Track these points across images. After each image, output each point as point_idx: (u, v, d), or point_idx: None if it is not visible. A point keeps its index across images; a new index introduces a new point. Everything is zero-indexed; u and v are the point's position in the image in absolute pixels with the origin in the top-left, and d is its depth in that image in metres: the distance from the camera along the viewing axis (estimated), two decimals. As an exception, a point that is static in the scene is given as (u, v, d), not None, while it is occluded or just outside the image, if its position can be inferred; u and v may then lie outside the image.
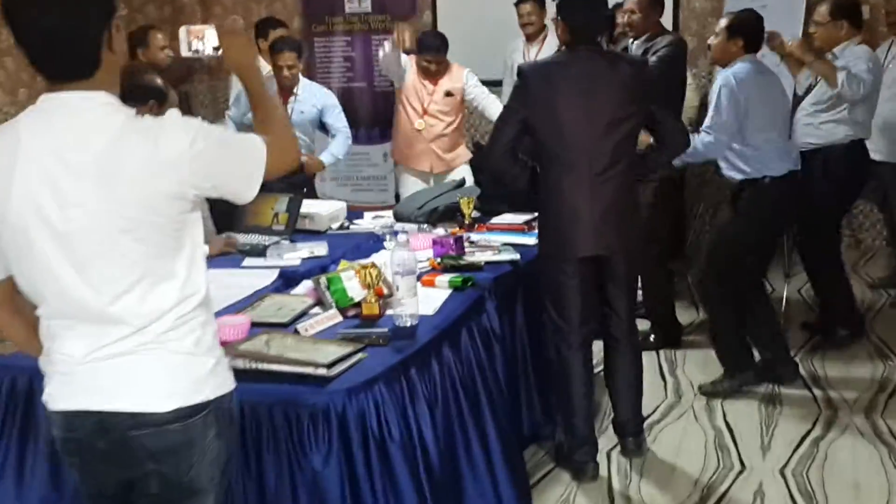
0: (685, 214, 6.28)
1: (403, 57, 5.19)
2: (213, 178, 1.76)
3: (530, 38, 5.97)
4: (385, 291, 2.98)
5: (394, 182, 6.88)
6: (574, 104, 3.28)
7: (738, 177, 4.04)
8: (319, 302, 3.04)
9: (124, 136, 1.69)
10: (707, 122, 3.98)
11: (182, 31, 2.03)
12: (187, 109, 5.47)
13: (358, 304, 2.97)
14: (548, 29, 5.84)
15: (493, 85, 5.88)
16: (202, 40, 2.02)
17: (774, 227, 4.18)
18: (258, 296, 3.16)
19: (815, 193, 4.37)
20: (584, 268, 3.41)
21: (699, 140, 3.94)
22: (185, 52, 2.04)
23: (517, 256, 3.56)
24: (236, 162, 1.81)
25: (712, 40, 4.09)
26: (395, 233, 3.96)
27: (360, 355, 2.50)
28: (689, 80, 5.02)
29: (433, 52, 5.11)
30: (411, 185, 5.27)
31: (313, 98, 5.11)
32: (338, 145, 5.18)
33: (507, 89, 5.75)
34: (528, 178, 3.46)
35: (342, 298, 2.98)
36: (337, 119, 5.18)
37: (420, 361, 2.63)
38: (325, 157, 5.12)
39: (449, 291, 3.19)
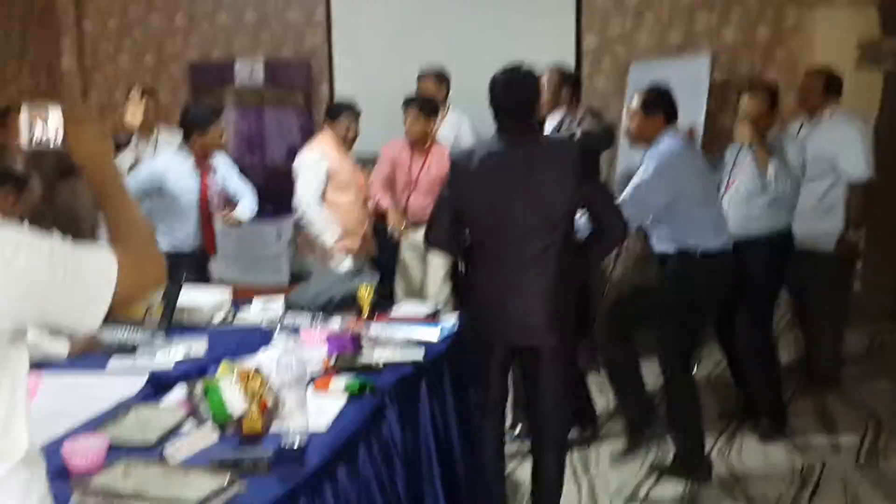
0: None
1: None
2: (39, 308, 1.38)
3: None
4: (270, 404, 2.60)
5: (287, 262, 6.52)
6: (503, 191, 3.16)
7: (667, 249, 3.86)
8: (194, 414, 2.63)
9: None
10: (625, 195, 3.78)
11: (23, 111, 1.62)
12: (71, 202, 5.01)
13: (239, 419, 2.57)
14: (450, 104, 5.66)
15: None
16: (46, 124, 1.63)
17: (704, 303, 3.99)
18: (123, 407, 2.72)
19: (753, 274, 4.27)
20: (509, 358, 3.34)
21: None
22: (25, 144, 1.64)
23: (420, 356, 3.22)
24: (73, 286, 1.41)
25: (627, 122, 3.93)
26: (286, 327, 3.59)
27: (235, 489, 2.10)
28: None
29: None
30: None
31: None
32: (248, 202, 4.84)
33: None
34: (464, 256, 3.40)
35: (219, 412, 2.57)
36: (239, 180, 4.87)
37: (310, 490, 2.24)
38: (243, 213, 4.79)
39: (344, 398, 2.82)
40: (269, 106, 6.87)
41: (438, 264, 5.07)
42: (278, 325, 3.59)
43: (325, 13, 6.78)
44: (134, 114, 4.73)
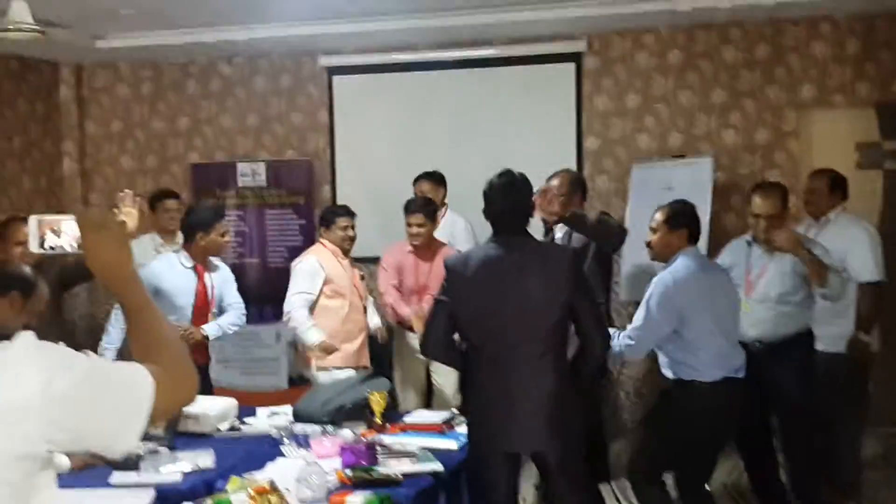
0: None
1: None
2: (76, 429, 1.29)
3: None
4: (287, 521, 2.48)
5: (286, 366, 6.40)
6: (497, 296, 3.15)
7: (671, 375, 3.75)
8: (205, 534, 2.50)
9: None
10: (634, 322, 3.71)
11: (32, 221, 1.57)
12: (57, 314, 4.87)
13: (253, 538, 2.44)
14: (447, 206, 5.67)
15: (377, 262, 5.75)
16: (58, 233, 1.56)
17: (713, 435, 3.82)
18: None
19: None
20: (515, 464, 3.27)
21: (620, 341, 3.70)
22: (34, 249, 1.57)
23: (440, 467, 3.10)
24: (110, 407, 1.34)
25: (651, 237, 3.86)
26: (295, 436, 3.47)
27: None
28: None
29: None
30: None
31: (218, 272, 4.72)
32: (228, 318, 4.68)
33: None
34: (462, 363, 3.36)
35: (233, 531, 2.45)
36: (234, 294, 4.77)
37: None
38: (210, 329, 4.58)
39: (364, 516, 2.69)
40: (270, 207, 6.85)
41: (445, 378, 4.88)
42: (287, 436, 3.48)
43: (328, 116, 6.82)
44: (130, 217, 4.68)
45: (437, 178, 5.71)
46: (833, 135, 6.06)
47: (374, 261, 6.12)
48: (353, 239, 4.91)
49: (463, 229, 5.61)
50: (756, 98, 6.14)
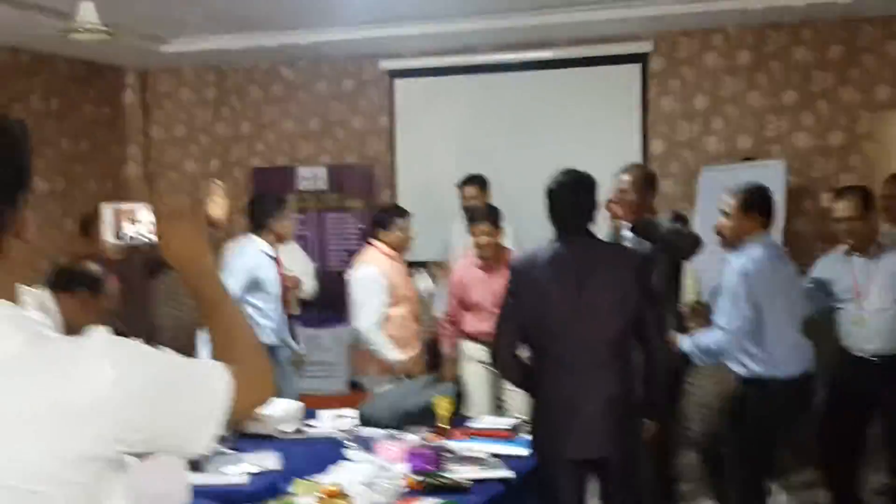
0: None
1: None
2: (149, 429, 1.22)
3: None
4: (356, 525, 2.42)
5: (347, 370, 6.37)
6: (565, 297, 3.08)
7: (744, 373, 3.62)
8: (272, 536, 2.45)
9: (19, 368, 1.16)
10: (721, 317, 3.57)
11: (107, 211, 1.52)
12: (141, 307, 4.88)
13: (322, 542, 2.39)
14: None
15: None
16: (134, 223, 1.51)
17: (773, 433, 3.70)
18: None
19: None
20: (581, 471, 3.15)
21: (712, 338, 3.57)
22: (110, 239, 1.52)
23: (510, 474, 3.02)
24: (187, 407, 1.27)
25: (722, 221, 3.74)
26: (361, 439, 3.42)
27: None
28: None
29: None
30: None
31: None
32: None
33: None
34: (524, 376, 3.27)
35: (302, 534, 2.40)
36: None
37: None
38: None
39: (433, 522, 2.62)
40: (330, 211, 6.84)
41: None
42: (352, 439, 3.42)
43: (389, 121, 6.79)
44: (220, 206, 4.64)
45: (482, 182, 5.64)
46: (911, 137, 5.84)
47: (436, 264, 6.09)
48: (408, 241, 4.74)
49: (510, 237, 5.52)
50: (829, 99, 5.96)
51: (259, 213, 4.62)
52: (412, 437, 3.34)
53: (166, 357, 1.29)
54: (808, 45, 5.95)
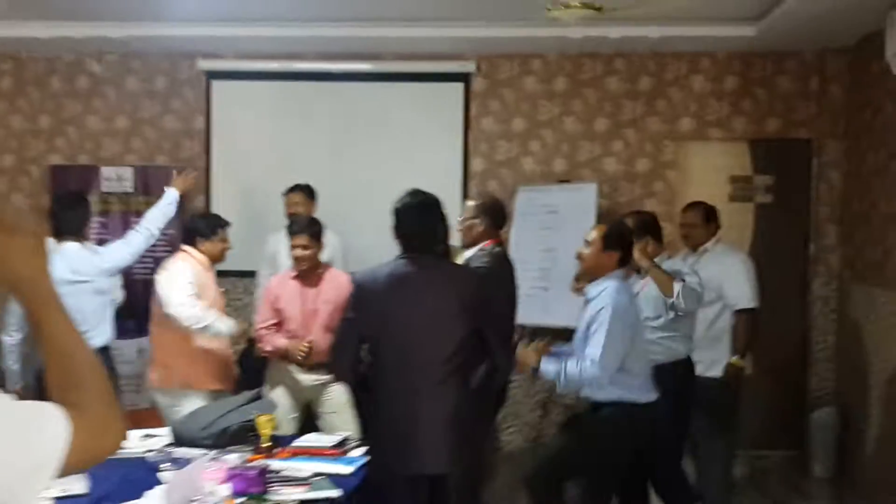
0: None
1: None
2: None
3: None
4: (180, 555, 2.26)
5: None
6: (408, 314, 3.13)
7: (603, 397, 3.70)
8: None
9: None
10: (593, 350, 3.57)
11: None
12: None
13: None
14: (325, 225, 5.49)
15: (249, 276, 5.74)
16: None
17: (626, 452, 3.80)
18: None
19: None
20: (419, 488, 3.19)
21: (582, 370, 3.57)
22: None
23: (337, 493, 2.93)
24: (9, 455, 1.11)
25: (584, 250, 3.82)
26: (174, 460, 3.22)
27: None
28: None
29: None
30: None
31: None
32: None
33: (261, 278, 5.45)
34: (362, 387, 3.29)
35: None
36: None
37: None
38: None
39: (260, 548, 2.50)
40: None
41: (340, 398, 4.34)
42: (166, 460, 3.22)
43: (205, 123, 6.52)
44: None
45: (308, 191, 5.51)
46: (709, 167, 6.26)
47: (246, 274, 5.90)
48: (228, 250, 4.60)
49: (340, 248, 5.44)
50: (637, 128, 6.27)
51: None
52: (232, 458, 3.19)
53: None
54: (621, 75, 6.24)
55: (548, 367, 3.66)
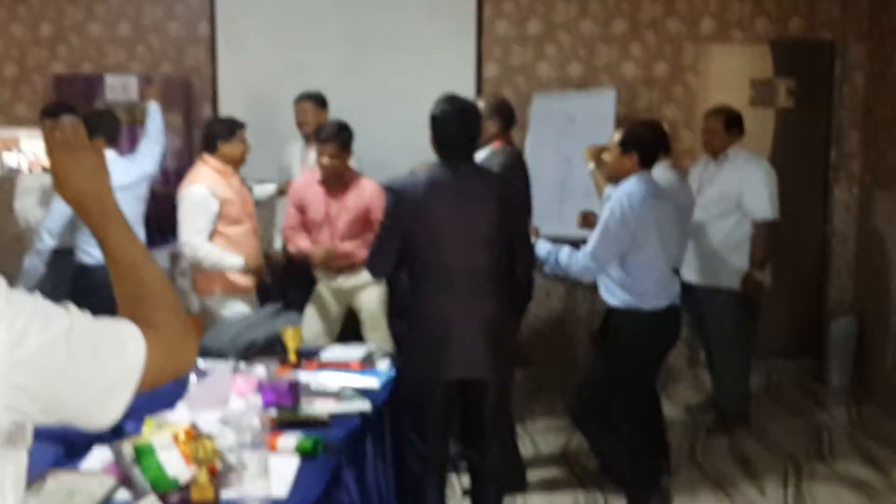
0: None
1: None
2: (47, 398, 1.05)
3: (309, 139, 5.43)
4: (220, 468, 2.23)
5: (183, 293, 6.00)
6: (449, 220, 3.13)
7: (614, 302, 3.69)
8: (126, 481, 2.23)
9: None
10: (590, 244, 3.63)
11: None
12: None
13: (185, 487, 2.19)
14: None
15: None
16: (15, 152, 1.29)
17: (646, 359, 3.82)
18: (36, 475, 2.27)
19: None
20: (453, 392, 3.23)
21: (576, 260, 3.63)
22: None
23: (367, 406, 2.91)
24: (89, 373, 1.08)
25: (606, 156, 3.76)
26: (201, 372, 3.19)
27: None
28: None
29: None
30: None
31: None
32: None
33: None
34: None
35: (160, 479, 2.19)
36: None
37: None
38: None
39: (297, 459, 2.48)
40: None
41: (372, 307, 4.51)
42: (194, 372, 3.19)
43: (210, 29, 6.33)
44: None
45: (319, 100, 5.38)
46: (729, 70, 6.10)
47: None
48: (243, 155, 4.44)
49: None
50: (656, 30, 6.08)
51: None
52: (260, 371, 3.15)
53: (71, 316, 1.09)
54: (640, -26, 6.03)
55: (543, 246, 3.74)
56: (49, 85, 6.38)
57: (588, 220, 4.23)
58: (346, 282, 4.50)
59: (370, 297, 4.50)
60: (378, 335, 4.44)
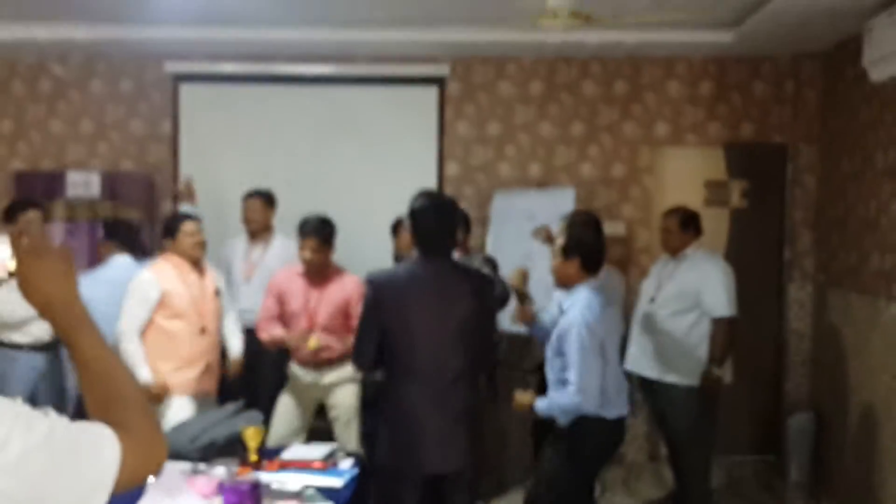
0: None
1: None
2: (28, 501, 1.06)
3: (254, 236, 5.45)
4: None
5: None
6: (426, 315, 3.18)
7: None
8: None
9: None
10: (574, 377, 3.45)
11: None
12: None
13: None
14: (274, 230, 5.49)
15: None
16: None
17: (598, 466, 3.80)
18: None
19: None
20: (426, 487, 3.23)
21: (566, 398, 3.48)
22: None
23: (331, 506, 2.84)
24: (69, 476, 1.10)
25: (553, 260, 3.74)
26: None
27: None
28: None
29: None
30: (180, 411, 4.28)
31: None
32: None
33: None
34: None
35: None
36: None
37: None
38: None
39: (258, 566, 2.40)
40: (103, 221, 6.31)
41: (348, 402, 4.47)
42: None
43: (173, 127, 6.37)
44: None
45: (268, 197, 5.48)
46: (684, 172, 6.26)
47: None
48: (202, 245, 4.46)
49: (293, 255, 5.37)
50: (613, 133, 6.25)
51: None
52: (221, 471, 3.08)
53: (51, 422, 1.11)
54: (597, 79, 6.22)
55: (541, 404, 3.57)
56: (10, 181, 6.34)
57: (546, 233, 4.28)
58: (324, 377, 4.44)
59: (346, 392, 4.47)
60: (350, 432, 4.40)
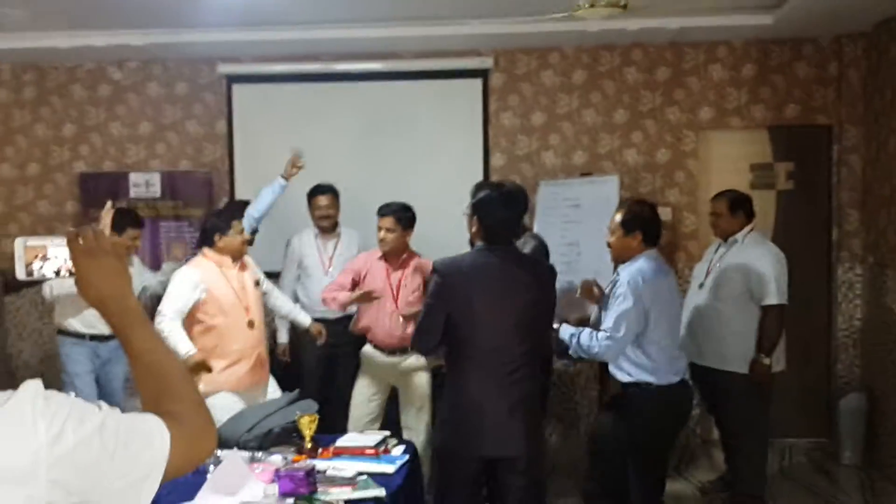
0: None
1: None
2: (83, 492, 1.13)
3: (325, 232, 5.60)
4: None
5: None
6: (490, 303, 3.25)
7: (626, 379, 3.79)
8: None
9: None
10: (609, 323, 3.75)
11: (17, 244, 1.42)
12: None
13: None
14: (340, 227, 5.64)
15: (272, 277, 5.36)
16: (44, 260, 1.40)
17: (662, 435, 3.90)
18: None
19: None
20: (481, 469, 3.32)
21: (597, 342, 3.75)
22: (21, 276, 1.41)
23: (382, 493, 3.00)
24: (121, 466, 1.17)
25: (609, 238, 3.90)
26: (219, 463, 3.28)
27: None
28: None
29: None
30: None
31: None
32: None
33: (287, 281, 5.58)
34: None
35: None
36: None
37: None
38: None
39: (314, 547, 2.57)
40: (165, 219, 6.56)
41: (423, 390, 4.70)
42: (213, 462, 3.28)
43: (227, 127, 6.58)
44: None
45: (334, 192, 5.62)
46: (729, 155, 6.27)
47: (270, 276, 5.91)
48: (249, 243, 4.58)
49: (359, 245, 5.51)
50: (657, 118, 6.29)
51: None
52: (277, 459, 3.26)
53: (103, 414, 1.19)
54: (639, 66, 6.26)
55: (566, 329, 3.87)
56: (75, 182, 6.61)
57: (590, 291, 4.23)
58: (402, 362, 4.70)
59: (421, 380, 4.71)
60: (421, 420, 4.66)
